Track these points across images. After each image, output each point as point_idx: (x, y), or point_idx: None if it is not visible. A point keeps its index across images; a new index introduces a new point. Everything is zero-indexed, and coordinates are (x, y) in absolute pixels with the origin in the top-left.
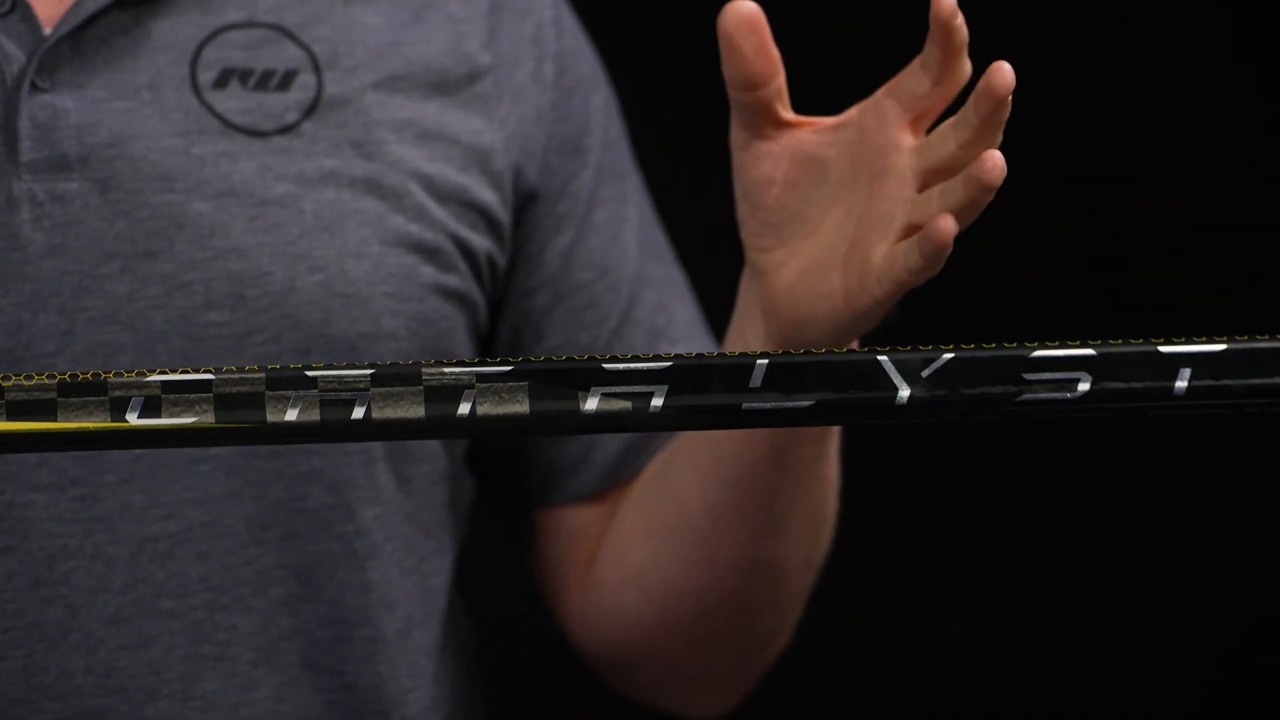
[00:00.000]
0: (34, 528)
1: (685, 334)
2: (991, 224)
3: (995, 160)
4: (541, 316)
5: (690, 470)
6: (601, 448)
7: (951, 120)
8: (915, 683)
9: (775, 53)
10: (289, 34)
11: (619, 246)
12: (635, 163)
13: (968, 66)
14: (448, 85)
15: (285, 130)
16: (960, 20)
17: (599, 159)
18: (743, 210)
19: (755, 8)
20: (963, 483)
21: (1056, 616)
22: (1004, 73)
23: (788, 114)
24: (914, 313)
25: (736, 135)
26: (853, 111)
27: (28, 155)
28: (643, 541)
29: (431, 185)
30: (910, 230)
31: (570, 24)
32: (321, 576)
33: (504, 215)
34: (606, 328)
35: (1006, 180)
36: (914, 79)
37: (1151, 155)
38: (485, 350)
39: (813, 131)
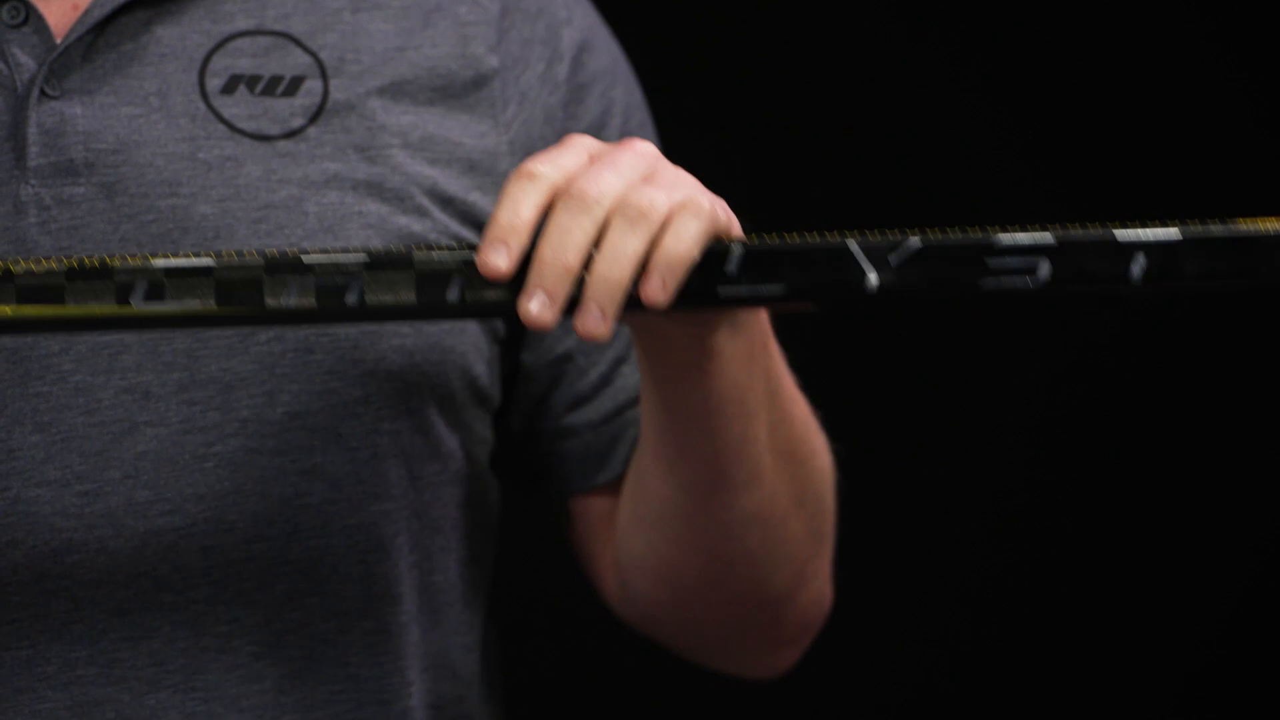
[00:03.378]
0: (38, 522)
1: None
2: (960, 117)
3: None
4: None
5: (655, 460)
6: (631, 427)
7: None
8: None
9: None
10: (296, 41)
11: None
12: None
13: None
14: (453, 89)
15: (291, 134)
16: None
17: None
18: None
19: None
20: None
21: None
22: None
23: None
24: (882, 202)
25: None
26: None
27: (35, 160)
28: (635, 529)
29: (434, 190)
30: None
31: (588, 19)
32: (325, 570)
33: None
34: None
35: (975, 78)
36: None
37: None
38: (503, 352)
39: None
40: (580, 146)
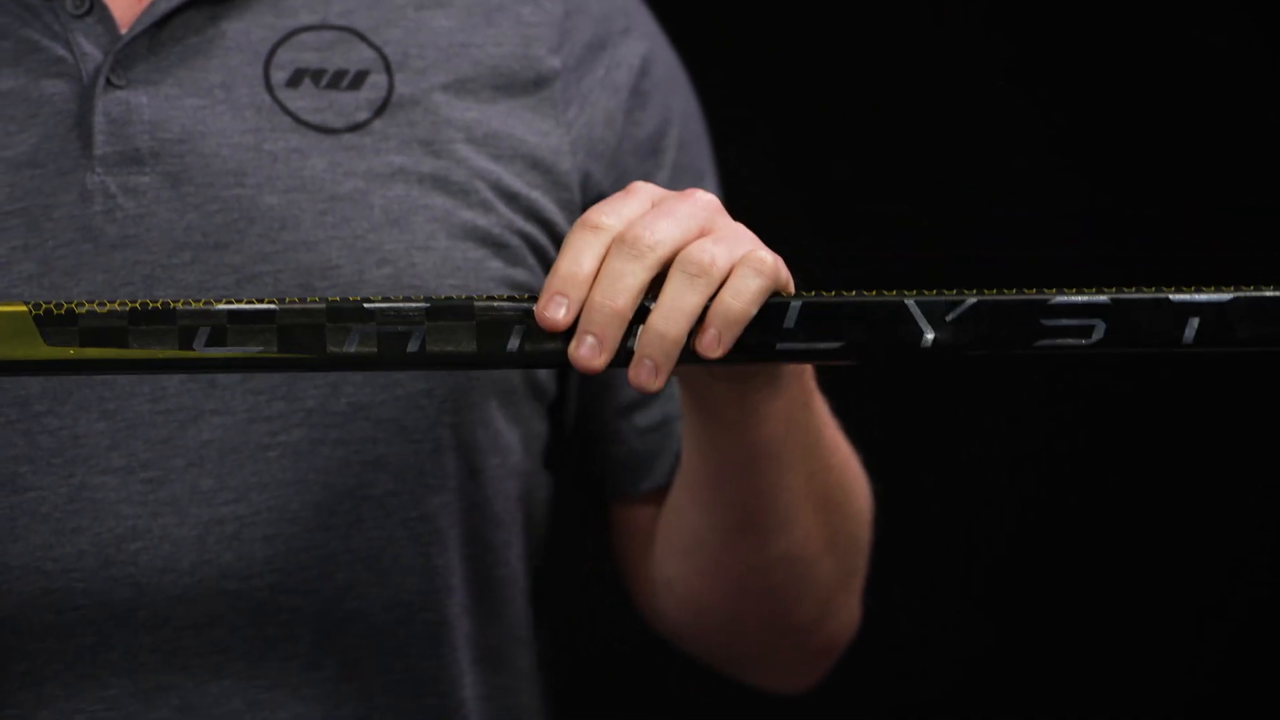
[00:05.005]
0: (104, 509)
1: None
2: (1012, 175)
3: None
4: None
5: (691, 497)
6: (674, 440)
7: None
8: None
9: None
10: (361, 36)
11: None
12: (714, 163)
13: None
14: (516, 88)
15: (356, 128)
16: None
17: (675, 159)
18: None
19: None
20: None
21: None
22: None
23: None
24: (939, 260)
25: None
26: None
27: (101, 149)
28: (668, 556)
29: (498, 185)
30: None
31: (648, 27)
32: (386, 561)
33: (566, 222)
34: None
35: (1029, 130)
36: None
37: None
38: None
39: None
40: (644, 194)
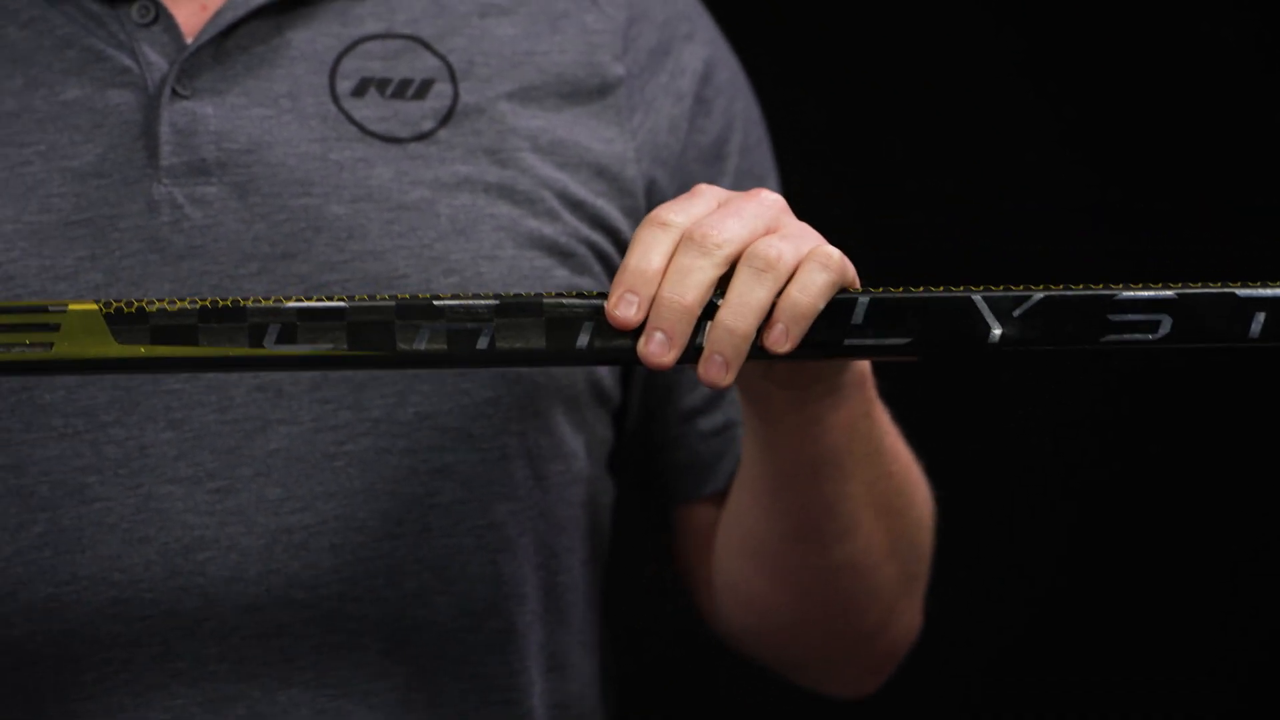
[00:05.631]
0: (171, 519)
1: None
2: (1080, 170)
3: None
4: None
5: (753, 503)
6: (736, 444)
7: None
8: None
9: None
10: (426, 44)
11: None
12: (775, 166)
13: None
14: (580, 96)
15: (422, 137)
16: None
17: (738, 164)
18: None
19: None
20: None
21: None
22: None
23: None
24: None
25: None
26: None
27: (167, 160)
28: (731, 558)
29: (564, 193)
30: None
31: (710, 33)
32: (454, 569)
33: (631, 229)
34: None
35: (1094, 128)
36: None
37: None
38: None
39: None
40: (710, 195)
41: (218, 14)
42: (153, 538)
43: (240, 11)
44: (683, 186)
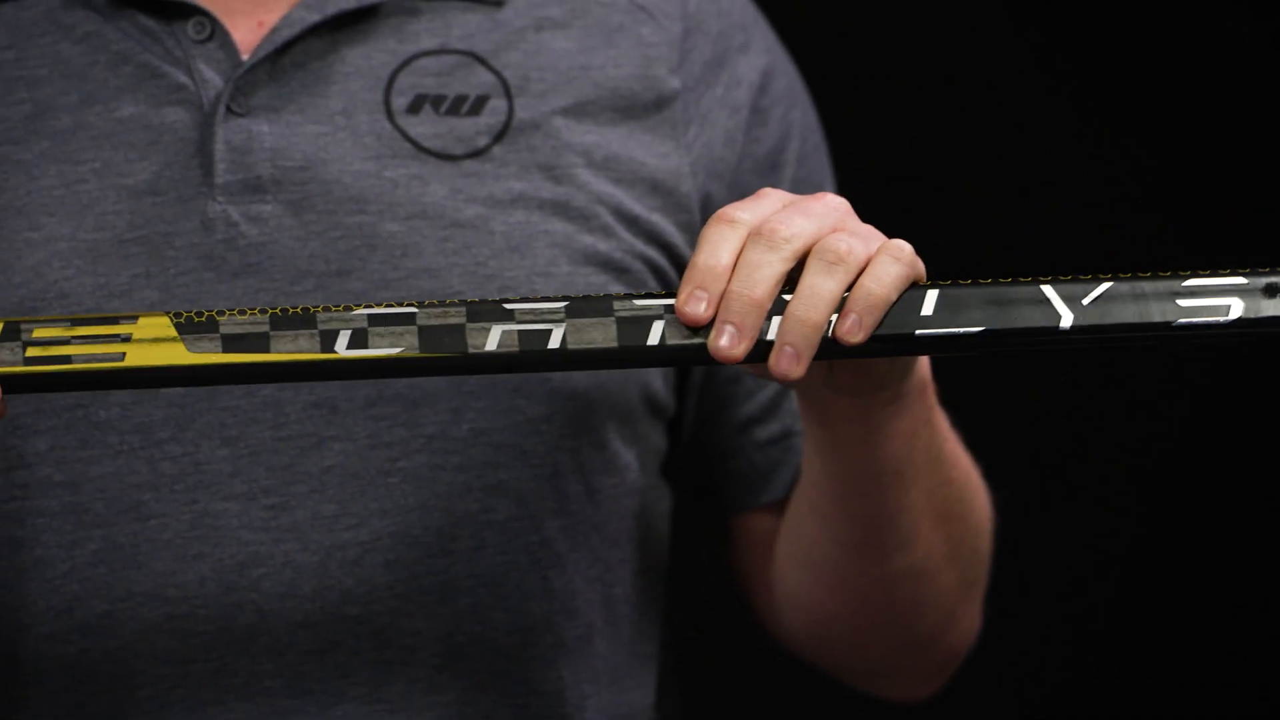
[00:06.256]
0: (225, 535)
1: None
2: (1145, 158)
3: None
4: None
5: (812, 513)
6: (794, 454)
7: None
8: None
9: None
10: (481, 60)
11: None
12: (833, 174)
13: None
14: (636, 110)
15: (476, 154)
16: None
17: (794, 172)
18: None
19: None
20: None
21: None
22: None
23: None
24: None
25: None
26: None
27: (222, 178)
28: (791, 568)
29: (619, 209)
30: None
31: (767, 42)
32: (508, 585)
33: (687, 245)
34: None
35: (1162, 119)
36: None
37: None
38: (678, 375)
39: None
40: (776, 196)
41: (274, 31)
42: (208, 554)
43: (296, 29)
44: (739, 199)
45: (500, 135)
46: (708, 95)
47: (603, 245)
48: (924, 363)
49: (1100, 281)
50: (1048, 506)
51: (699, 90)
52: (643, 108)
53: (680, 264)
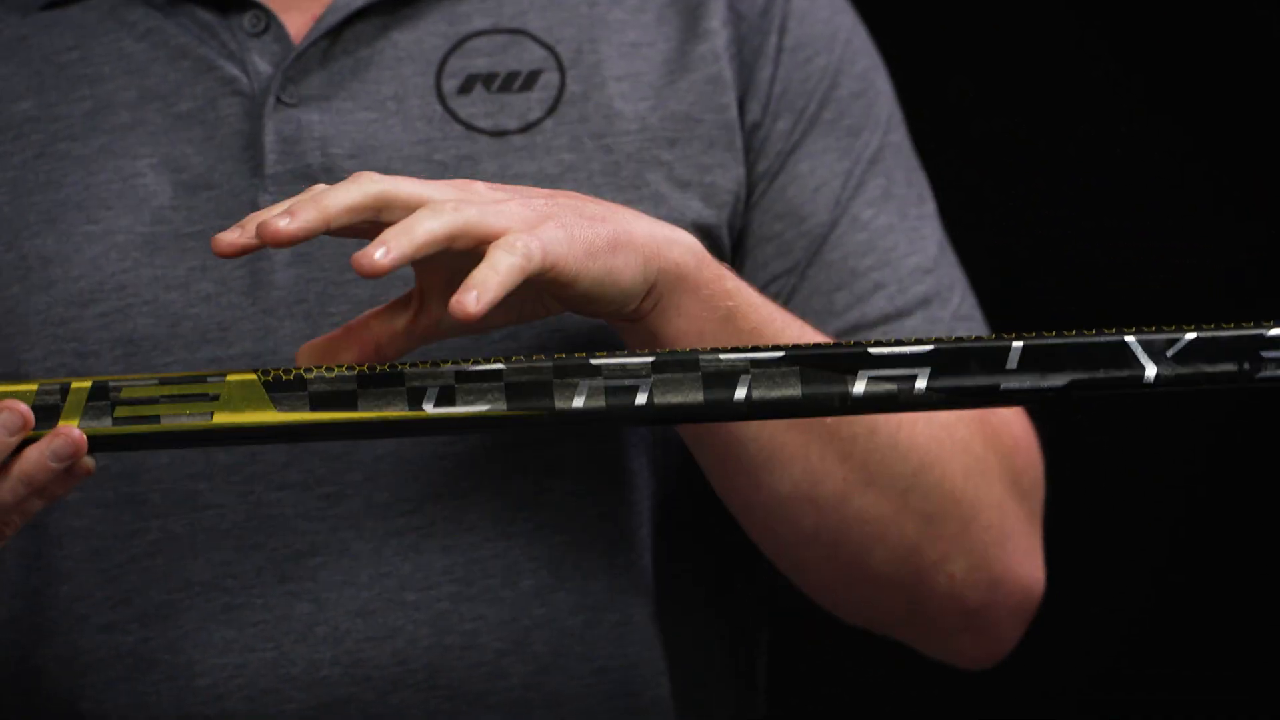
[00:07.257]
0: (281, 525)
1: (905, 277)
2: (1223, 211)
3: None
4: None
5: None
6: None
7: None
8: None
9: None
10: (533, 36)
11: (820, 195)
12: (906, 135)
13: None
14: (688, 65)
15: (527, 128)
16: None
17: (815, 113)
18: None
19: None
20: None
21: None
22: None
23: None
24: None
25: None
26: None
27: (272, 168)
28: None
29: (671, 173)
30: None
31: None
32: (569, 565)
33: (741, 201)
34: (794, 271)
35: (1230, 169)
36: None
37: None
38: None
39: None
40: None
41: (320, 18)
42: (264, 544)
43: (342, 13)
44: (789, 131)
45: (552, 108)
46: (748, 45)
47: (653, 213)
48: (673, 257)
49: (1183, 333)
50: (1085, 516)
51: (746, 38)
52: (693, 62)
53: (735, 220)
